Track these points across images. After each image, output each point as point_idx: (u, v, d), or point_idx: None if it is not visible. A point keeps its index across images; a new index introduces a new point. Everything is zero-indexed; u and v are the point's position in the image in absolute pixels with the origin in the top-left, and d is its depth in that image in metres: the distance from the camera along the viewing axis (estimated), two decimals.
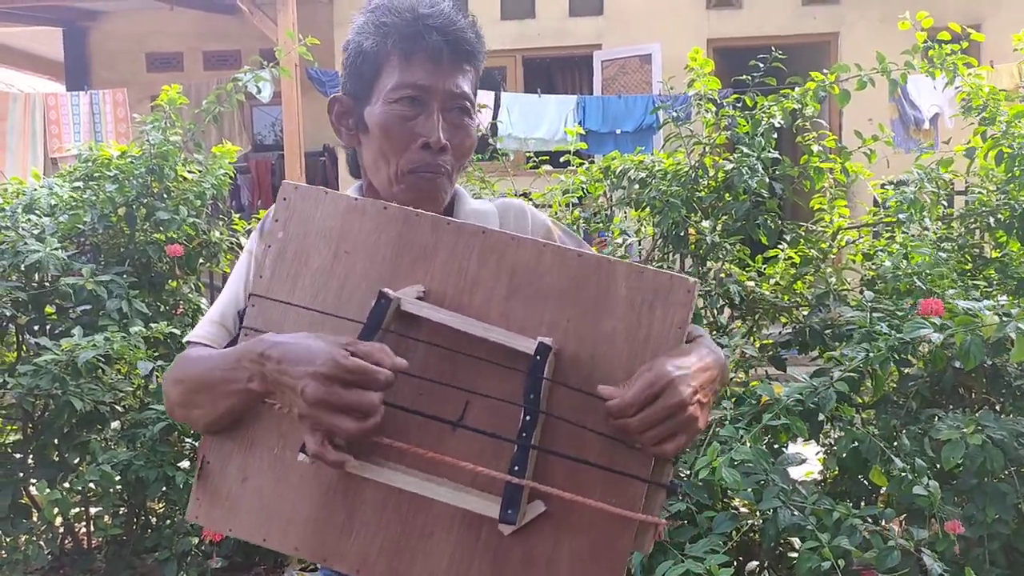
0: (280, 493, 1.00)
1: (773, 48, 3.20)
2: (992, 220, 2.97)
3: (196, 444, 3.00)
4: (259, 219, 3.66)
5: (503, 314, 0.99)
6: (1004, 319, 2.16)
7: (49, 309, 3.17)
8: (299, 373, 0.91)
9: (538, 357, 0.96)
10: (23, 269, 2.96)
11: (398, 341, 0.98)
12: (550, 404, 0.97)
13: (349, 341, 0.94)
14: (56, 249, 2.92)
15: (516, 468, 0.95)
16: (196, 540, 2.93)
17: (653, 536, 0.97)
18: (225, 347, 1.12)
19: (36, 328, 3.18)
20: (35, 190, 3.28)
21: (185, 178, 3.37)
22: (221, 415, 1.02)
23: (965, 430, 2.17)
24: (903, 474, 2.20)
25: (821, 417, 2.43)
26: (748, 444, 2.21)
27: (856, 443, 2.30)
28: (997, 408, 2.60)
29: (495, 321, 0.99)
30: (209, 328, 1.15)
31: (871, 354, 2.34)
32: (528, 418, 0.95)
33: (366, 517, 0.98)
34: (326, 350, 0.91)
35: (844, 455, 2.34)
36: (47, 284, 3.06)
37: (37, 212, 3.21)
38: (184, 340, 1.17)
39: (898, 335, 2.33)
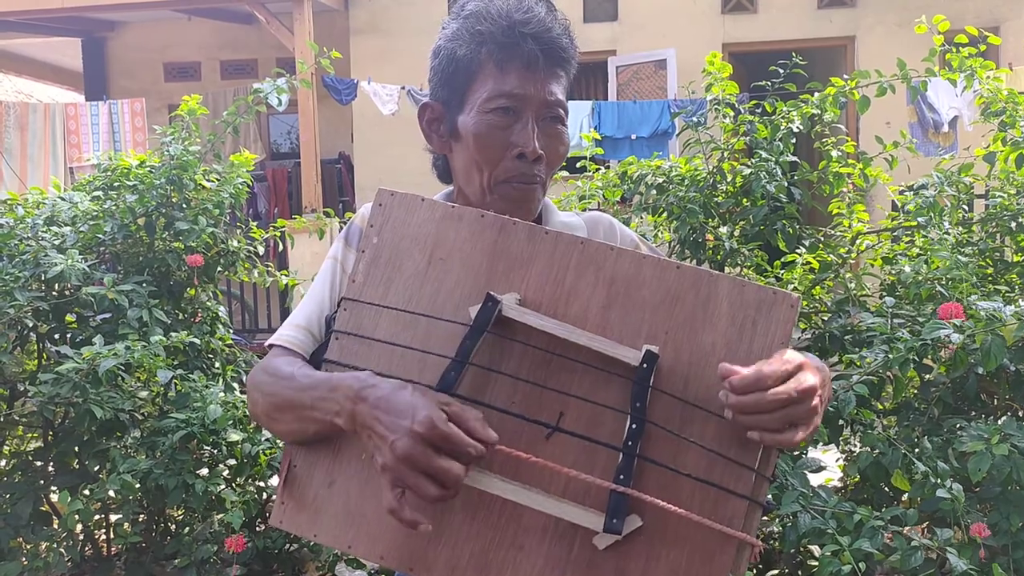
0: (367, 499, 0.98)
1: (794, 54, 3.18)
2: (1014, 224, 2.95)
3: (215, 451, 3.01)
4: (276, 227, 3.71)
5: (600, 324, 0.98)
6: None
7: (69, 318, 3.19)
8: (393, 425, 0.88)
9: (644, 365, 0.94)
10: (44, 279, 2.98)
11: (495, 344, 0.97)
12: (649, 414, 0.95)
13: (448, 401, 0.91)
14: (77, 260, 2.94)
15: (622, 477, 0.92)
16: (215, 548, 2.94)
17: (748, 558, 0.94)
18: (313, 352, 1.12)
19: (56, 337, 3.20)
20: (55, 204, 3.30)
21: (204, 187, 3.38)
22: (305, 436, 1.01)
23: (990, 440, 2.14)
24: (926, 478, 2.17)
25: (840, 421, 2.41)
26: None
27: (878, 452, 2.28)
28: (1021, 415, 2.57)
29: (592, 331, 0.97)
30: (295, 332, 1.14)
31: (891, 356, 2.31)
32: (634, 426, 0.93)
33: (456, 526, 0.96)
34: (426, 408, 0.88)
35: (866, 466, 2.31)
36: (68, 293, 3.08)
37: (58, 223, 3.23)
38: (267, 343, 1.15)
39: (918, 338, 2.31)
